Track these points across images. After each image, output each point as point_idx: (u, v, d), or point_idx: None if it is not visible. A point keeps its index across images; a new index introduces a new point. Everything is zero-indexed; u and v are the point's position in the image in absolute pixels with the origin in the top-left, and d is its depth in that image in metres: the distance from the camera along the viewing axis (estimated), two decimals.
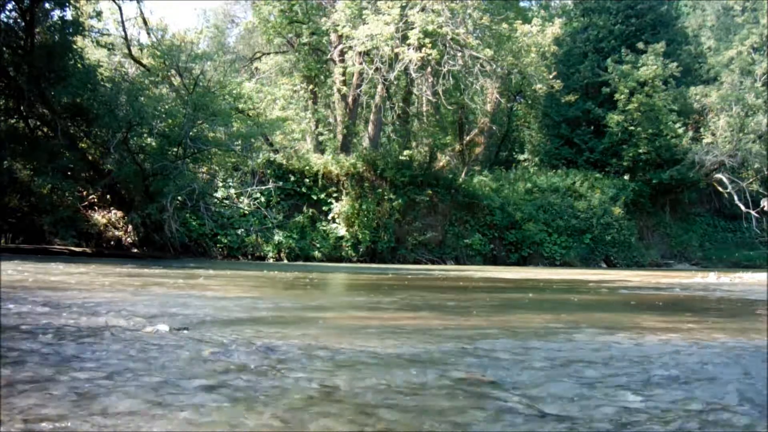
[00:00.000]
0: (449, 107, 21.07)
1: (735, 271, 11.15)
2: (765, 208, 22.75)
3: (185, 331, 2.58)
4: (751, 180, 24.49)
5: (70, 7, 13.60)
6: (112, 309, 3.32)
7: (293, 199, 18.01)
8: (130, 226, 14.91)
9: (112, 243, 14.92)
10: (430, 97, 20.33)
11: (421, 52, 16.60)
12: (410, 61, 16.85)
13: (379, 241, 18.22)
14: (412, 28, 16.76)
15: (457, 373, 1.90)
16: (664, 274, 12.75)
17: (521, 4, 27.01)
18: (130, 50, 16.93)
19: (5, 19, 13.10)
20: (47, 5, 13.35)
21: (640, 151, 24.18)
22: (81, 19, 14.11)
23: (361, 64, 18.47)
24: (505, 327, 3.16)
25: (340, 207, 18.06)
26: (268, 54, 24.34)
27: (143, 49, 17.53)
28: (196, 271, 8.44)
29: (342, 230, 17.88)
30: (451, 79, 18.20)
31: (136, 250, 14.67)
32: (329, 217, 18.17)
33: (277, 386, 1.66)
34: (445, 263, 18.63)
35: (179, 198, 14.36)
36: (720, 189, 24.62)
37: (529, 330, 3.04)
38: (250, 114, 18.28)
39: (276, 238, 16.60)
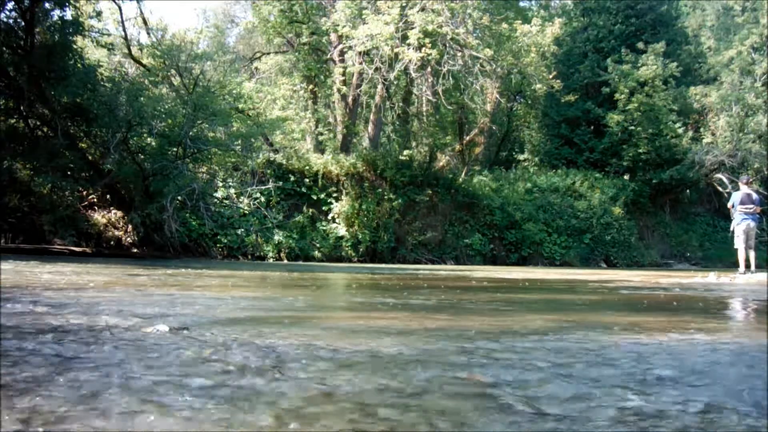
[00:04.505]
0: (449, 107, 21.08)
1: (735, 271, 11.14)
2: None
3: (185, 331, 2.58)
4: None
5: (70, 7, 13.61)
6: (112, 309, 3.32)
7: (293, 199, 18.02)
8: (130, 226, 14.92)
9: (112, 243, 14.92)
10: (430, 97, 20.34)
11: (421, 52, 16.60)
12: (410, 61, 16.85)
13: (379, 241, 18.22)
14: (412, 28, 16.76)
15: (457, 373, 1.90)
16: (663, 274, 12.75)
17: (521, 4, 27.05)
18: (130, 50, 16.94)
19: (5, 19, 13.11)
20: (47, 5, 13.35)
21: (640, 151, 24.18)
22: (81, 19, 14.11)
23: (361, 64, 18.47)
24: (505, 327, 3.16)
25: (340, 207, 18.06)
26: (268, 54, 24.35)
27: (143, 49, 17.54)
28: (196, 271, 8.44)
29: (342, 230, 17.88)
30: (451, 79, 18.20)
31: (136, 250, 14.66)
32: (329, 217, 18.17)
33: (277, 386, 1.66)
34: (444, 263, 18.64)
35: (179, 198, 14.37)
36: (720, 189, 24.61)
37: (529, 330, 3.04)
38: (250, 114, 18.28)
39: (276, 238, 16.60)
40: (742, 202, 11.14)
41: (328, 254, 17.27)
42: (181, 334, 2.50)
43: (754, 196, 11.32)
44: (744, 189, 11.39)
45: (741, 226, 11.04)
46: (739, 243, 11.11)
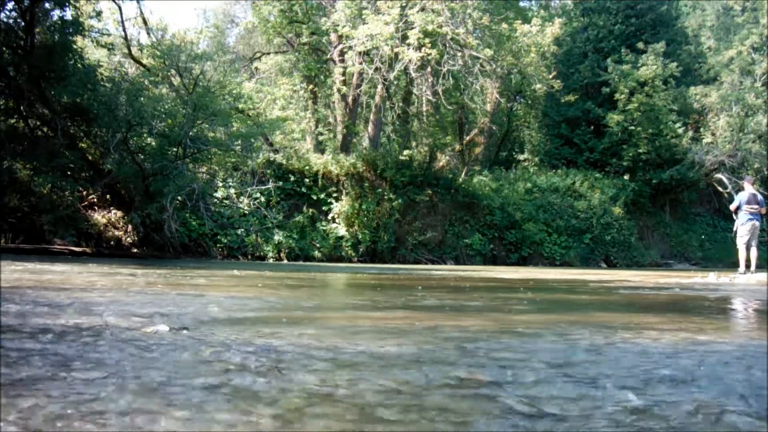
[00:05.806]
0: (449, 107, 21.07)
1: (735, 271, 11.14)
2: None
3: (185, 331, 2.58)
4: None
5: (70, 7, 13.61)
6: (112, 309, 3.32)
7: (293, 199, 18.01)
8: (130, 226, 14.91)
9: (112, 243, 14.91)
10: (430, 97, 20.32)
11: (420, 52, 16.59)
12: (410, 61, 16.84)
13: (378, 241, 18.22)
14: (412, 28, 16.76)
15: (457, 373, 1.90)
16: (663, 274, 12.75)
17: (521, 4, 27.01)
18: (130, 50, 16.94)
19: (5, 19, 13.11)
20: (47, 5, 13.36)
21: (640, 151, 24.18)
22: (81, 19, 14.12)
23: (361, 64, 18.46)
24: (505, 327, 3.16)
25: (340, 207, 18.06)
26: (268, 54, 24.33)
27: (143, 49, 17.54)
28: (196, 271, 8.44)
29: (342, 230, 17.87)
30: (451, 79, 18.20)
31: (136, 250, 14.66)
32: (329, 217, 18.17)
33: (277, 386, 1.66)
34: (444, 263, 18.63)
35: (179, 198, 14.36)
36: (720, 189, 24.60)
37: (530, 330, 3.04)
38: (250, 114, 18.28)
39: (276, 238, 16.60)
40: (748, 202, 11.17)
41: (328, 254, 17.27)
42: (181, 334, 2.50)
43: (759, 196, 11.36)
44: (749, 189, 11.42)
45: (746, 226, 11.06)
46: (741, 243, 11.13)
